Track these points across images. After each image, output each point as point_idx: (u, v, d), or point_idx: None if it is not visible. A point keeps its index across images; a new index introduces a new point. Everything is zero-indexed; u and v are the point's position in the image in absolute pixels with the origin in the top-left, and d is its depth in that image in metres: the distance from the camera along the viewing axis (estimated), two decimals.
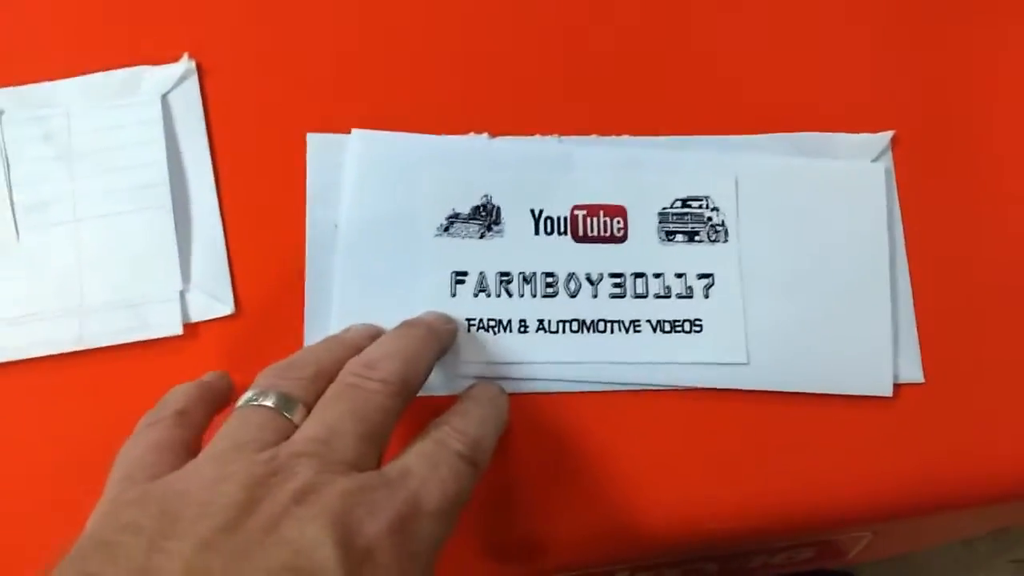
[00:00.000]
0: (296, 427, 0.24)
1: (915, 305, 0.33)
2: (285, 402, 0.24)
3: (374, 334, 0.29)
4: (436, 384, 0.31)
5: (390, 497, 0.22)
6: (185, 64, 0.33)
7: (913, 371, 0.32)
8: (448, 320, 0.31)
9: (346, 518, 0.21)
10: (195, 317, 0.31)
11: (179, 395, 0.26)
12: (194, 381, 0.27)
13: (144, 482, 0.23)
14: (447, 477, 0.24)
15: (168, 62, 0.33)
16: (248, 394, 0.25)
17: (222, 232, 0.32)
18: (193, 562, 0.19)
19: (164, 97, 0.32)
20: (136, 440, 0.24)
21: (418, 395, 0.27)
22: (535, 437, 0.31)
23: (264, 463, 0.22)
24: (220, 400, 0.27)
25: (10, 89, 0.32)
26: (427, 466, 0.24)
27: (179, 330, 0.30)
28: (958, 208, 0.34)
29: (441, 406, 0.27)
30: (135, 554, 0.20)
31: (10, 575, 0.29)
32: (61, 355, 0.30)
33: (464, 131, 0.34)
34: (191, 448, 0.24)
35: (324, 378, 0.25)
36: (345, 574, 0.20)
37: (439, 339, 0.29)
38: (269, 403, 0.24)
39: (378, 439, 0.24)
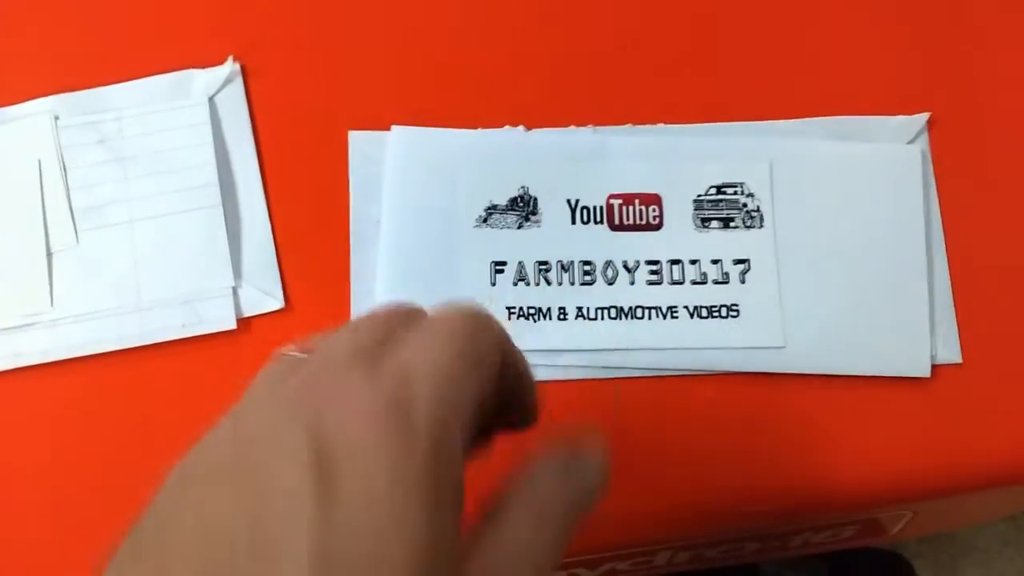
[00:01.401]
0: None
1: (952, 286, 0.33)
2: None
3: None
4: None
5: (371, 380, 0.17)
6: (230, 66, 0.34)
7: (951, 352, 0.32)
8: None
9: (322, 426, 0.17)
10: (247, 312, 0.32)
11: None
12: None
13: None
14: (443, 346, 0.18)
15: (213, 65, 0.34)
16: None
17: (270, 229, 0.33)
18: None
19: (211, 99, 0.33)
20: None
21: None
22: (574, 422, 0.32)
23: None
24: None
25: (64, 95, 0.33)
26: (416, 346, 0.19)
27: (233, 324, 0.32)
28: (994, 188, 0.34)
29: None
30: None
31: (84, 561, 0.30)
32: (123, 350, 0.32)
33: (500, 124, 0.34)
34: None
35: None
36: (313, 504, 0.15)
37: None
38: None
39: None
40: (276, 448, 0.16)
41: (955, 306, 0.32)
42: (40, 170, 0.33)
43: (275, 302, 0.32)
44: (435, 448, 0.17)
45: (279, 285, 0.32)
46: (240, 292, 0.32)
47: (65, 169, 0.33)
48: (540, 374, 0.32)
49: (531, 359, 0.32)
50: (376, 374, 0.18)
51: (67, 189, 0.32)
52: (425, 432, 0.17)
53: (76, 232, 0.32)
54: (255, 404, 0.18)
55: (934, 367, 0.32)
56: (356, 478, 0.16)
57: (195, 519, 0.16)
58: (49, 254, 0.32)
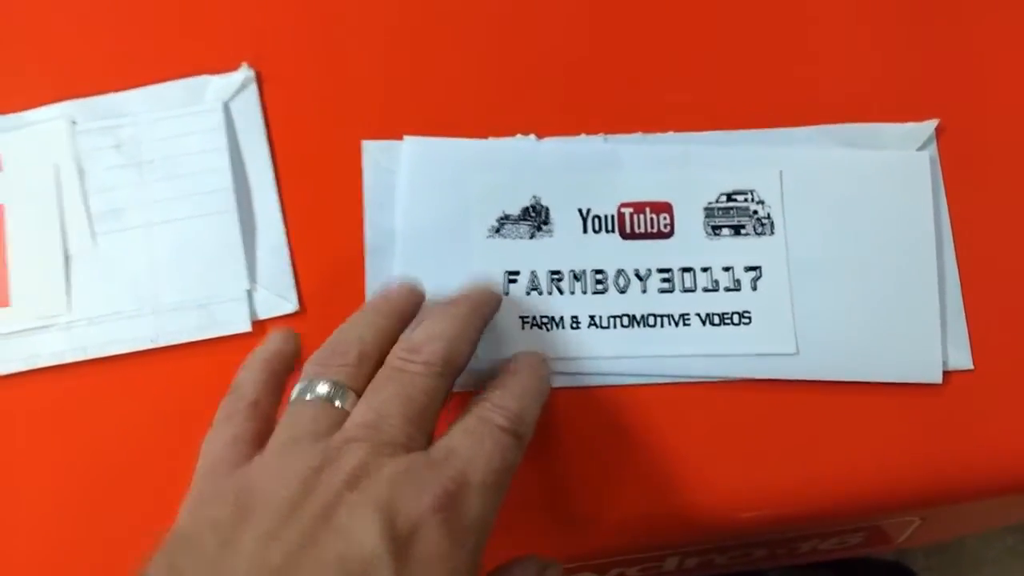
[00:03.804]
0: (347, 414, 0.25)
1: (963, 292, 0.33)
2: (334, 391, 0.26)
3: (415, 296, 0.30)
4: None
5: (436, 476, 0.23)
6: (244, 72, 0.34)
7: (962, 358, 0.32)
8: (492, 289, 0.31)
9: (393, 502, 0.22)
10: (262, 315, 0.32)
11: (249, 385, 0.27)
12: (261, 359, 0.28)
13: (225, 476, 0.24)
14: (492, 452, 0.24)
15: (228, 71, 0.34)
16: (299, 387, 0.26)
17: (285, 234, 0.33)
18: (256, 555, 0.21)
19: (226, 105, 0.34)
20: (215, 434, 0.26)
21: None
22: (588, 429, 0.32)
23: (319, 453, 0.23)
24: (287, 369, 0.28)
25: (81, 100, 0.34)
26: (471, 442, 0.25)
27: (248, 327, 0.32)
28: (1004, 194, 0.34)
29: None
30: (209, 548, 0.22)
31: (103, 563, 0.30)
32: (137, 352, 0.32)
33: (511, 133, 0.35)
34: (264, 437, 0.26)
35: (368, 358, 0.27)
36: (392, 558, 0.21)
37: (483, 313, 0.30)
38: (321, 392, 0.26)
39: (425, 419, 0.25)
40: (353, 517, 0.22)
41: (966, 312, 0.33)
42: (57, 174, 0.33)
43: (289, 305, 0.32)
44: (477, 544, 0.23)
45: (293, 288, 0.33)
46: (255, 295, 0.32)
47: (82, 173, 0.33)
48: (553, 382, 0.32)
49: None
50: (433, 464, 0.24)
51: (84, 193, 0.33)
52: (473, 531, 0.23)
53: (93, 235, 0.32)
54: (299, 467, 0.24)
55: (945, 373, 0.32)
56: (423, 552, 0.22)
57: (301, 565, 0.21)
58: (66, 257, 0.32)
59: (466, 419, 0.26)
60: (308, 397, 0.26)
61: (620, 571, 0.36)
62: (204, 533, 0.22)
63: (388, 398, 0.25)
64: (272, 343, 0.29)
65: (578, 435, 0.32)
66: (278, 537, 0.21)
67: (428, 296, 0.31)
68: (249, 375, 0.28)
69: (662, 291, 0.33)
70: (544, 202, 0.34)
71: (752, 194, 0.34)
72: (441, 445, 0.25)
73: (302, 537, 0.21)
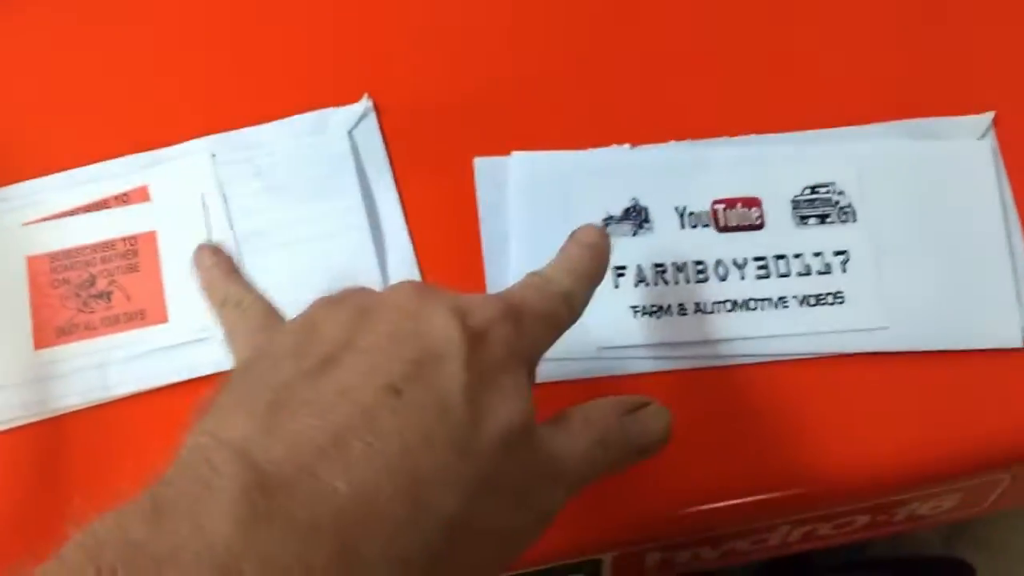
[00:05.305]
0: None
1: None
2: None
3: None
4: (605, 367, 0.35)
5: (500, 298, 0.25)
6: (365, 103, 0.38)
7: None
8: (606, 235, 0.30)
9: (461, 307, 0.24)
10: None
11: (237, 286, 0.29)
12: (216, 263, 0.30)
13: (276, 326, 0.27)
14: (547, 303, 0.26)
15: (349, 103, 0.38)
16: None
17: (411, 245, 0.36)
18: (336, 336, 0.23)
19: (350, 133, 0.37)
20: (240, 321, 0.28)
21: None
22: (700, 408, 0.35)
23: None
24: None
25: (219, 135, 0.37)
26: (527, 292, 0.26)
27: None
28: None
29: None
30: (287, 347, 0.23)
31: None
32: None
33: (606, 144, 0.38)
34: None
35: None
36: (464, 341, 0.22)
37: (604, 260, 0.30)
38: None
39: (538, 344, 0.26)
40: (428, 311, 0.23)
41: None
42: (203, 201, 0.36)
43: None
44: (533, 356, 0.25)
45: None
46: None
47: (226, 200, 0.36)
48: (664, 366, 0.35)
49: (656, 352, 0.35)
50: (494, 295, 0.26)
51: (229, 217, 0.36)
52: (531, 344, 0.25)
53: (240, 255, 0.35)
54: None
55: None
56: (492, 338, 0.23)
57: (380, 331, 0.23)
58: None
59: (522, 285, 0.27)
60: None
61: (731, 544, 0.38)
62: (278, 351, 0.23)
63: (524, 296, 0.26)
64: (209, 256, 0.30)
65: (692, 414, 0.35)
66: (354, 323, 0.23)
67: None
68: (225, 284, 0.29)
69: (759, 277, 0.36)
70: (643, 203, 0.37)
71: (833, 186, 0.37)
72: (508, 291, 0.26)
73: (378, 322, 0.23)
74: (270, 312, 0.28)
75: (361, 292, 0.25)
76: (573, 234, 0.29)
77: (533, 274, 0.28)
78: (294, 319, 0.25)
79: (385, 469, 0.20)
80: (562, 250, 0.29)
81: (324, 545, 0.18)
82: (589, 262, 0.28)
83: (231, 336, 0.28)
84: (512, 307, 0.25)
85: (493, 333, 0.23)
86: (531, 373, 0.25)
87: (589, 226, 0.30)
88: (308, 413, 0.21)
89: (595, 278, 0.29)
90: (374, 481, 0.20)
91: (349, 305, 0.24)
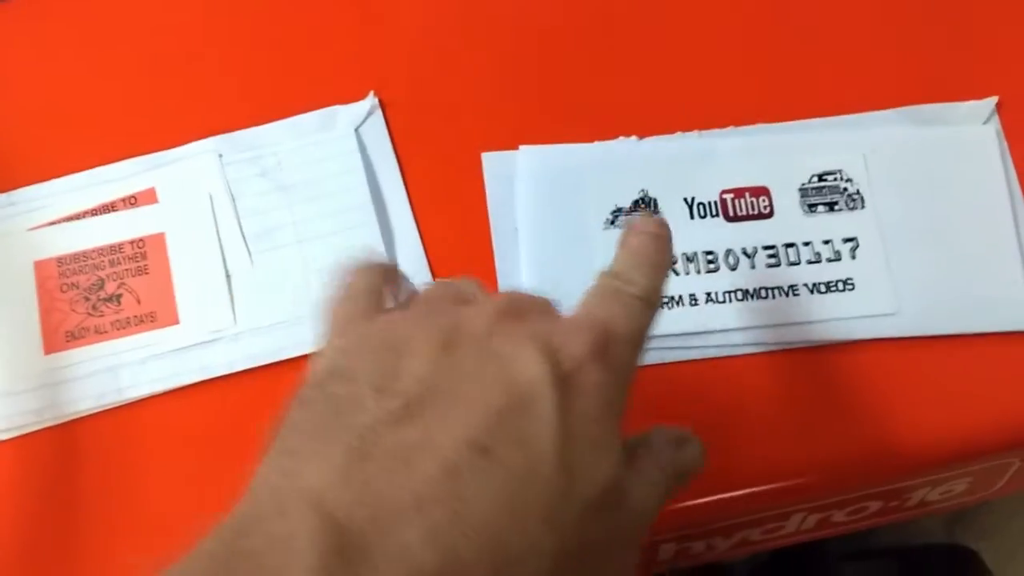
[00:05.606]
0: None
1: None
2: None
3: None
4: None
5: (587, 329, 0.23)
6: (371, 100, 0.38)
7: None
8: (665, 222, 0.28)
9: (551, 343, 0.22)
10: None
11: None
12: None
13: (367, 321, 0.25)
14: (630, 313, 0.24)
15: (355, 101, 0.38)
16: None
17: (420, 241, 0.36)
18: (418, 372, 0.21)
19: (357, 130, 0.37)
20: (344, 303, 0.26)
21: None
22: (714, 397, 0.35)
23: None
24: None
25: (226, 135, 0.37)
26: (608, 305, 0.25)
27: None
28: None
29: None
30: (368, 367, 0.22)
31: None
32: (300, 356, 0.34)
33: (613, 136, 0.38)
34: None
35: None
36: (554, 386, 0.21)
37: (670, 248, 0.28)
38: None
39: (629, 377, 0.24)
40: (515, 348, 0.22)
41: None
42: (212, 202, 0.36)
43: None
44: (626, 388, 0.23)
45: None
46: None
47: (234, 200, 0.36)
48: (678, 356, 0.35)
49: (667, 343, 0.35)
50: (580, 322, 0.23)
51: (238, 217, 0.36)
52: (624, 375, 0.23)
53: (250, 254, 0.35)
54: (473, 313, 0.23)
55: None
56: (582, 383, 0.21)
57: (465, 371, 0.21)
58: (228, 275, 0.35)
59: (595, 293, 0.25)
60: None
61: (746, 533, 0.38)
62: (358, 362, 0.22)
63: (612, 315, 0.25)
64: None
65: (700, 403, 0.35)
66: (437, 360, 0.21)
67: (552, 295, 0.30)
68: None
69: (769, 266, 0.36)
70: (652, 194, 0.37)
71: (840, 173, 0.37)
72: (580, 313, 0.25)
73: (463, 360, 0.21)
74: (371, 294, 0.26)
75: (450, 310, 0.24)
76: (631, 226, 0.27)
77: (606, 275, 0.26)
78: (387, 320, 0.24)
79: (470, 539, 0.19)
80: (624, 243, 0.27)
81: None
82: (656, 253, 0.26)
83: (325, 316, 0.26)
84: (600, 336, 0.23)
85: (585, 378, 0.22)
86: (621, 414, 0.23)
87: (646, 215, 0.29)
88: (391, 468, 0.19)
89: (666, 267, 0.27)
90: (458, 552, 0.18)
91: (435, 330, 0.22)
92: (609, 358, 0.22)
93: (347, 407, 0.21)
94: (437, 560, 0.18)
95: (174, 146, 0.37)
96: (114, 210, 0.36)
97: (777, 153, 0.37)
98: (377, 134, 0.37)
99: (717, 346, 0.35)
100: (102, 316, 0.35)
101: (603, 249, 0.36)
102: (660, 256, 0.27)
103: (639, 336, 0.25)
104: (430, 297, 0.26)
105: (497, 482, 0.19)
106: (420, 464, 0.19)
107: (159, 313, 0.35)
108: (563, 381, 0.21)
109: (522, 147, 0.38)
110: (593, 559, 0.21)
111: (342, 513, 0.18)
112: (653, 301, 0.26)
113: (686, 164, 0.37)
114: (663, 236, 0.27)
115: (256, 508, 0.19)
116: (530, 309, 0.24)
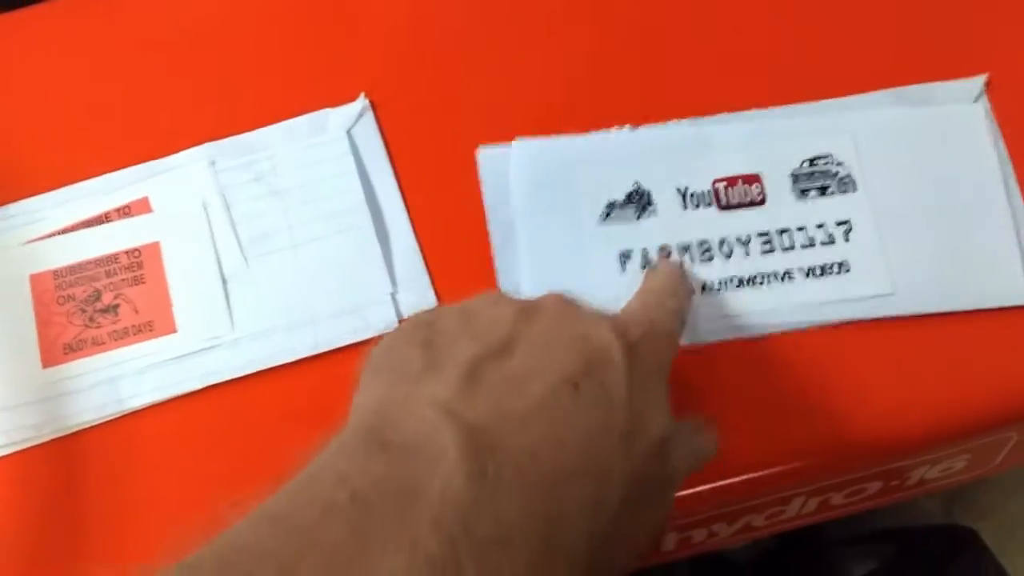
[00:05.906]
0: None
1: None
2: None
3: None
4: None
5: (639, 318, 0.28)
6: (362, 102, 0.38)
7: None
8: (681, 263, 0.36)
9: (617, 320, 0.27)
10: (406, 313, 0.35)
11: None
12: None
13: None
14: (669, 319, 0.30)
15: (346, 103, 0.38)
16: None
17: (415, 240, 0.36)
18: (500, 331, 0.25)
19: (349, 132, 0.37)
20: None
21: None
22: (712, 384, 0.35)
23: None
24: None
25: (217, 142, 0.37)
26: (652, 311, 0.29)
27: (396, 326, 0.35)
28: None
29: None
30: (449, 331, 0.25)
31: None
32: (297, 361, 0.34)
33: (608, 126, 0.38)
34: None
35: None
36: (623, 350, 0.25)
37: (689, 282, 0.34)
38: None
39: (671, 359, 0.29)
40: (589, 322, 0.26)
41: None
42: (206, 209, 0.36)
43: (429, 303, 0.35)
44: (669, 361, 0.28)
45: (430, 287, 0.36)
46: (398, 297, 0.35)
47: (228, 206, 0.36)
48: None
49: None
50: (628, 317, 0.28)
51: (232, 223, 0.36)
52: (667, 361, 0.28)
53: (245, 260, 0.35)
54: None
55: None
56: (642, 350, 0.26)
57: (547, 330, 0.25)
58: (224, 282, 0.35)
59: (637, 301, 0.31)
60: None
61: (748, 519, 0.38)
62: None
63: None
64: None
65: (699, 389, 0.35)
66: (516, 323, 0.25)
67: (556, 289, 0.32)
68: None
69: (764, 252, 0.36)
70: (645, 186, 0.37)
71: (831, 157, 0.37)
72: (627, 309, 0.30)
73: (542, 325, 0.25)
74: None
75: (511, 297, 0.27)
76: (653, 267, 0.35)
77: (645, 293, 0.31)
78: (448, 306, 0.27)
79: (576, 446, 0.22)
80: (651, 277, 0.33)
81: (537, 503, 0.21)
82: (679, 284, 0.33)
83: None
84: (652, 325, 0.28)
85: (644, 346, 0.26)
86: (668, 389, 0.28)
87: (663, 259, 0.36)
88: (504, 389, 0.23)
89: (689, 296, 0.33)
90: (567, 455, 0.22)
91: (506, 303, 0.26)
92: (655, 343, 0.27)
93: (447, 347, 0.24)
94: (555, 461, 0.22)
95: (166, 155, 0.37)
96: (108, 221, 0.36)
97: (768, 140, 0.37)
98: (369, 135, 0.37)
99: (712, 333, 0.35)
100: (100, 327, 0.35)
101: (598, 246, 0.36)
102: (683, 287, 0.33)
103: (675, 339, 0.30)
104: (492, 295, 0.28)
105: (589, 410, 0.23)
106: (529, 388, 0.23)
107: (157, 322, 0.35)
108: (631, 347, 0.25)
109: (516, 140, 0.38)
110: (646, 496, 0.25)
111: (470, 415, 0.22)
112: (684, 319, 0.31)
113: (679, 154, 0.37)
114: (680, 273, 0.34)
115: (381, 419, 0.22)
116: (582, 303, 0.28)
